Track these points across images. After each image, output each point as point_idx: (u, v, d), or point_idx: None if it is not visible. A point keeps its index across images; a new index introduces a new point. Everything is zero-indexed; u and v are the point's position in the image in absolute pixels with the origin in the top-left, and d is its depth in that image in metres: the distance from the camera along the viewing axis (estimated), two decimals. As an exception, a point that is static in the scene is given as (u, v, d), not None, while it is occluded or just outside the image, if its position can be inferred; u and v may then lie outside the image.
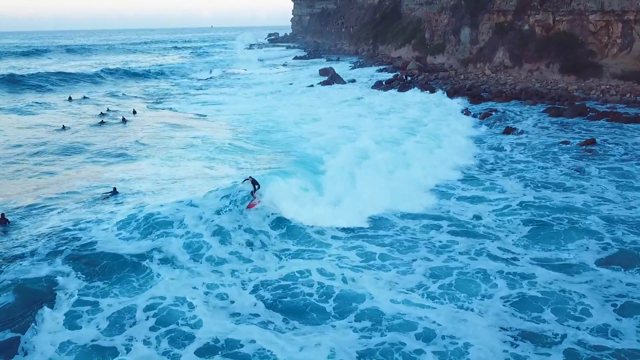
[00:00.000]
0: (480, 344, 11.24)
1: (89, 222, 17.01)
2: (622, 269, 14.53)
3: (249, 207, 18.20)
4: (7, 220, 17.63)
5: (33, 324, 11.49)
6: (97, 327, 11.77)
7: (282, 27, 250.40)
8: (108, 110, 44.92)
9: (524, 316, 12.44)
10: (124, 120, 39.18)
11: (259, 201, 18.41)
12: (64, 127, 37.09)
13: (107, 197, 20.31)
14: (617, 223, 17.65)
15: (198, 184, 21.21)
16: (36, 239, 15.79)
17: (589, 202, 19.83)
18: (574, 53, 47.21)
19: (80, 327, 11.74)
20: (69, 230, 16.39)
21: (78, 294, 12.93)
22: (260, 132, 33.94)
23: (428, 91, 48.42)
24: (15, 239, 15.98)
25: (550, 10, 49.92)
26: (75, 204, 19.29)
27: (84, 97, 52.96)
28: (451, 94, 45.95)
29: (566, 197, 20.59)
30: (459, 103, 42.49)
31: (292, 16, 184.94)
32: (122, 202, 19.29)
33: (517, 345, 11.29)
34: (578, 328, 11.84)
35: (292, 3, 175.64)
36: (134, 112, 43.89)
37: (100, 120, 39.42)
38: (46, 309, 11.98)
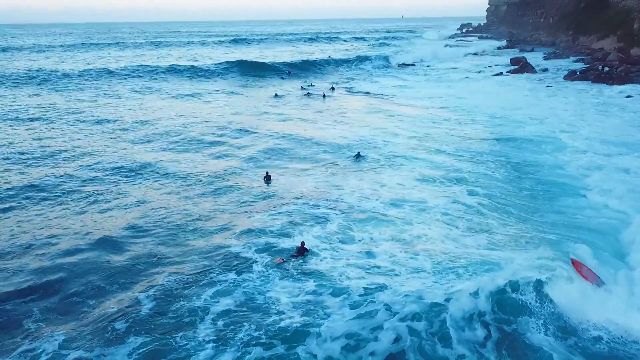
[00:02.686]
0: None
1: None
2: None
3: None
4: (270, 176, 22.59)
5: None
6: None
7: (475, 17, 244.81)
8: (311, 85, 53.40)
9: None
10: (324, 96, 46.95)
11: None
12: (276, 95, 46.79)
13: (356, 158, 25.73)
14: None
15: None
16: (298, 196, 20.73)
17: None
18: None
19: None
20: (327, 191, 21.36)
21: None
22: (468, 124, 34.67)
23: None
24: (282, 194, 21.10)
25: None
26: (322, 168, 24.63)
27: (290, 72, 62.72)
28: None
29: None
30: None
31: (488, 6, 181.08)
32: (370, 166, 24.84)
33: None
34: None
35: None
36: (332, 89, 51.70)
37: (307, 92, 48.09)
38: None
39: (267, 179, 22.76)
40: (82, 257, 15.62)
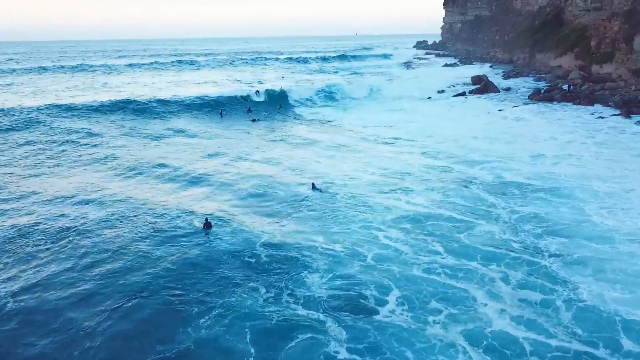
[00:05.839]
0: None
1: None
2: None
3: None
4: (210, 224, 19.18)
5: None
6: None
7: (430, 35, 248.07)
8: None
9: None
10: (253, 121, 44.98)
11: None
12: (221, 113, 46.88)
13: (314, 191, 22.63)
14: None
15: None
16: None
17: None
18: None
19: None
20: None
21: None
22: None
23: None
24: (215, 237, 19.36)
25: None
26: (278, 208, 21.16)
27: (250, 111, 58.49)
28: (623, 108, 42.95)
29: None
30: None
31: (443, 24, 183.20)
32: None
33: None
34: None
35: (444, 10, 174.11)
36: (280, 107, 51.05)
37: (252, 119, 45.98)
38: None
39: (207, 226, 19.05)
40: None
